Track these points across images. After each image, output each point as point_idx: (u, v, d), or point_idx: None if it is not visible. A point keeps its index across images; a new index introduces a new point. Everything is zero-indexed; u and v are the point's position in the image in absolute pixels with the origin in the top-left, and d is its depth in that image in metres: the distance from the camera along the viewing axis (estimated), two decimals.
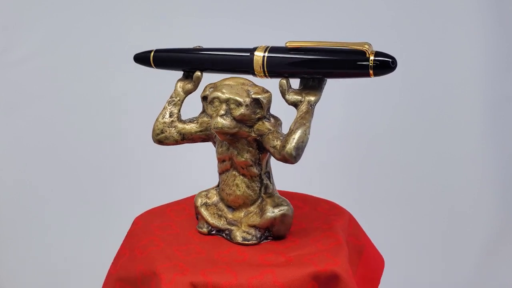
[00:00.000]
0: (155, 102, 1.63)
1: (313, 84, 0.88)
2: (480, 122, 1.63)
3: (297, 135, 0.83)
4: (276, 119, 0.89)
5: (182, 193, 1.09)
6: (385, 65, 0.81)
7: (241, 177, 0.91)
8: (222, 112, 0.86)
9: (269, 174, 0.92)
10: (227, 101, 0.86)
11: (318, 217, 0.97)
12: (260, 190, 0.92)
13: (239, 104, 0.85)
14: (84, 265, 1.56)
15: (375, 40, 1.64)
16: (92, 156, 1.63)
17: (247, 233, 0.90)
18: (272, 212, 0.88)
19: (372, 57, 0.82)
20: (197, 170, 1.49)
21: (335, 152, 1.65)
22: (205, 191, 0.97)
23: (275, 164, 0.92)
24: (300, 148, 0.83)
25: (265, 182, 0.91)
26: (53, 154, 1.62)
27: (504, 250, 1.59)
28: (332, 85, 1.63)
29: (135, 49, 1.62)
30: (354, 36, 1.62)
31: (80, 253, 1.58)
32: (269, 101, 0.87)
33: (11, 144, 1.61)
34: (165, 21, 1.62)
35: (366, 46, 0.83)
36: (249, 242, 0.90)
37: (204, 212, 0.95)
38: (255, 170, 0.90)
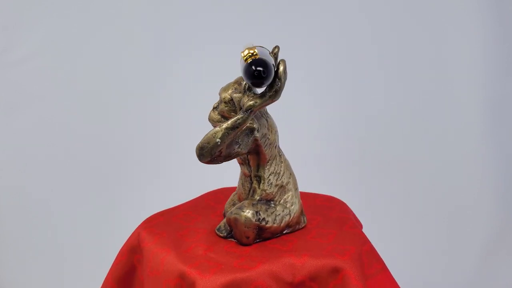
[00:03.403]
0: (156, 100, 1.65)
1: (266, 91, 0.83)
2: (480, 122, 1.63)
3: (205, 136, 0.84)
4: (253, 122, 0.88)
5: None
6: (249, 73, 0.75)
7: (241, 173, 0.93)
8: (215, 105, 0.90)
9: (259, 179, 0.90)
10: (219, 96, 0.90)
11: (312, 249, 0.90)
12: (249, 191, 0.92)
13: (220, 100, 0.88)
14: (85, 265, 1.56)
15: (375, 39, 1.65)
16: (92, 156, 1.63)
17: (224, 225, 0.93)
18: (231, 212, 0.90)
19: (245, 64, 0.76)
20: None
21: (338, 151, 1.65)
22: None
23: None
24: (204, 148, 0.83)
25: (253, 185, 0.91)
26: (53, 154, 1.62)
27: (504, 250, 1.59)
28: (335, 84, 1.63)
29: (136, 48, 1.63)
30: (353, 36, 1.63)
31: (80, 253, 1.58)
32: (240, 101, 0.86)
33: (11, 144, 1.61)
34: (166, 22, 1.62)
35: (246, 51, 0.77)
36: (219, 233, 0.93)
37: (229, 198, 0.99)
38: (245, 169, 0.92)
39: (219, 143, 0.83)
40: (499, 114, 1.63)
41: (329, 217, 0.99)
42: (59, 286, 1.55)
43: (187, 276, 0.83)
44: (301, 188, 1.09)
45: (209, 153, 0.83)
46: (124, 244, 0.97)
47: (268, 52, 0.85)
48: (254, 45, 0.88)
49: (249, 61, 0.76)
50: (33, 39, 1.59)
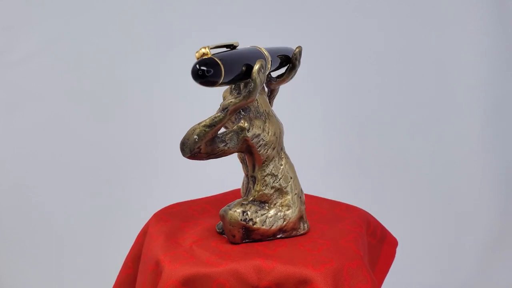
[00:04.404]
0: (157, 100, 1.64)
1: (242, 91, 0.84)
2: (480, 122, 1.63)
3: (186, 132, 0.83)
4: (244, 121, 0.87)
5: None
6: (193, 72, 0.76)
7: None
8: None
9: (254, 179, 0.90)
10: None
11: (292, 257, 0.87)
12: (246, 189, 0.92)
13: (223, 99, 0.89)
14: (86, 265, 1.57)
15: (376, 39, 1.65)
16: (94, 155, 1.63)
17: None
18: (222, 209, 0.89)
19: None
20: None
21: (338, 151, 1.66)
22: None
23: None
24: (184, 144, 0.83)
25: (249, 185, 0.91)
26: (53, 153, 1.62)
27: (504, 251, 1.59)
28: (338, 83, 1.61)
29: (137, 48, 1.62)
30: (353, 35, 1.62)
31: (81, 253, 1.59)
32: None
33: (11, 144, 1.61)
34: (167, 23, 1.62)
35: (200, 50, 0.77)
36: (217, 228, 0.93)
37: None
38: (244, 168, 0.91)
39: (196, 140, 0.82)
40: (499, 114, 1.63)
41: (336, 228, 0.95)
42: (60, 285, 1.55)
43: (160, 264, 0.85)
44: (323, 194, 1.09)
45: (189, 149, 0.83)
46: (142, 227, 1.01)
47: (264, 53, 0.85)
48: (256, 45, 0.88)
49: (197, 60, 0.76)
50: (33, 39, 1.59)
